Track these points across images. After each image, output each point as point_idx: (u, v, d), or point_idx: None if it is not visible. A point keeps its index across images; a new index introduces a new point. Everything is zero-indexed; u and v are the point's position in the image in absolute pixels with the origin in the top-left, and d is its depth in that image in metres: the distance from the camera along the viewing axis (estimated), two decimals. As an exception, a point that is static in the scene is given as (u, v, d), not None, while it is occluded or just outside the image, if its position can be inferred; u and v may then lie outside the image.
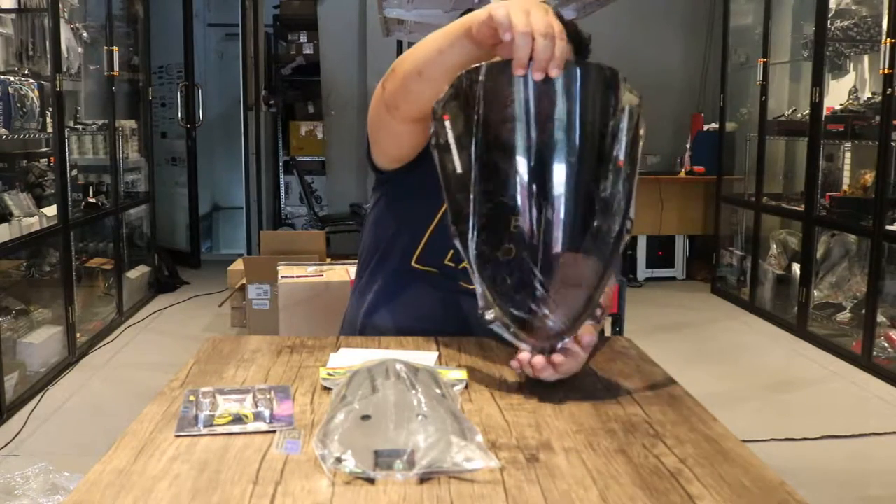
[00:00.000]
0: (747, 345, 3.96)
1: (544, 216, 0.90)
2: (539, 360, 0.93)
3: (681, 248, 5.45)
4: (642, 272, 5.35)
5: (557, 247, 0.90)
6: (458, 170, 0.90)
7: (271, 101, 6.14)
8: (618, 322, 1.53)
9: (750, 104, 4.83)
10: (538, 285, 0.90)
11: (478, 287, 0.91)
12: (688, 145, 5.39)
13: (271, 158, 6.36)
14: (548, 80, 0.87)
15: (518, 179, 0.90)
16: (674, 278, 5.43)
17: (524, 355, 0.94)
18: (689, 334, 4.13)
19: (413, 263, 1.27)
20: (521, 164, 0.89)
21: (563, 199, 0.90)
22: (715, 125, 5.21)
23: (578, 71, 0.89)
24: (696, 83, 5.78)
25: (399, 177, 1.25)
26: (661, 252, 5.39)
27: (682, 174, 5.30)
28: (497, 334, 0.94)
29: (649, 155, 5.36)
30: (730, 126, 5.06)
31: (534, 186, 0.90)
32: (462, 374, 1.00)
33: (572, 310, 0.92)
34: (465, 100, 0.89)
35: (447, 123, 0.89)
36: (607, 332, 1.37)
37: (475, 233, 0.91)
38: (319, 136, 6.36)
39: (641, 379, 1.06)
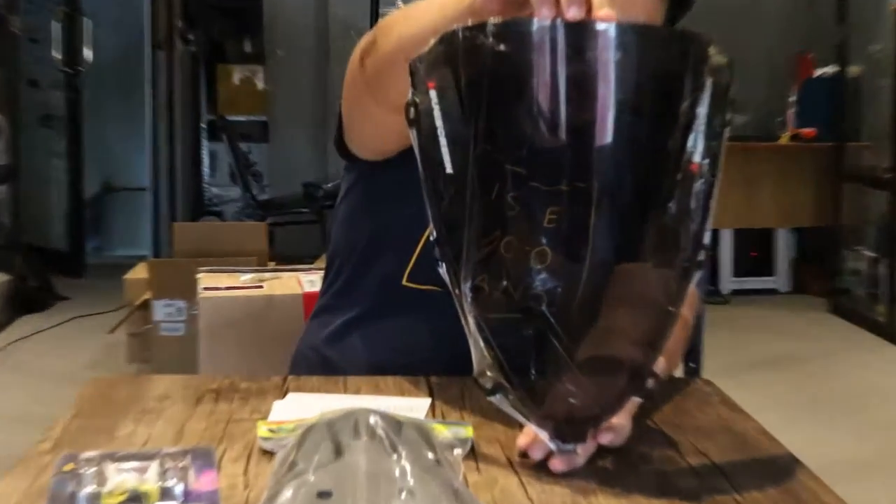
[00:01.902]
0: (886, 389, 3.95)
1: (576, 244, 0.90)
2: (558, 465, 0.93)
3: (783, 248, 5.45)
4: (728, 282, 5.36)
5: (594, 289, 0.91)
6: (448, 168, 0.90)
7: (190, 37, 6.13)
8: (692, 356, 1.54)
9: (883, 38, 4.83)
10: (560, 345, 0.90)
11: (470, 340, 0.92)
12: (791, 98, 5.39)
13: (189, 118, 6.36)
14: (587, 46, 0.86)
15: (539, 187, 0.90)
16: (774, 291, 5.44)
17: (536, 452, 0.94)
18: (798, 373, 4.13)
19: (404, 281, 1.31)
20: (545, 166, 0.89)
21: (605, 220, 0.89)
22: (831, 69, 5.21)
23: (639, 33, 0.87)
24: (800, 10, 5.79)
25: (381, 171, 1.30)
26: (754, 253, 5.39)
27: (784, 140, 5.30)
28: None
29: (736, 114, 5.33)
30: (853, 70, 5.06)
31: (563, 198, 0.89)
32: (466, 431, 1.00)
33: (611, 384, 0.92)
34: (462, 66, 0.88)
35: (433, 94, 0.89)
36: (678, 372, 1.39)
37: (470, 263, 0.90)
38: (260, 86, 6.36)
39: (728, 438, 1.05)
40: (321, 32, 5.98)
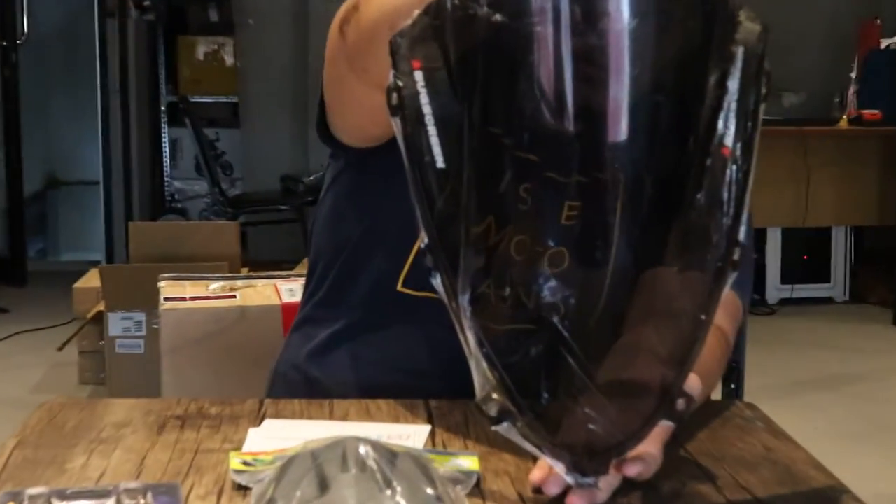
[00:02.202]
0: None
1: (598, 245, 0.90)
2: (577, 501, 0.93)
3: (841, 250, 5.45)
4: (775, 289, 5.36)
5: (617, 297, 0.91)
6: (439, 163, 0.89)
7: (146, 3, 6.12)
8: (733, 375, 1.54)
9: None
10: (576, 362, 0.90)
11: (471, 361, 0.91)
12: (852, 74, 5.37)
13: (147, 100, 6.37)
14: (598, 12, 0.86)
15: (555, 177, 0.90)
16: (830, 300, 5.44)
17: (551, 487, 0.94)
18: (855, 395, 4.12)
19: (399, 287, 1.31)
20: (559, 153, 0.90)
21: (631, 216, 0.90)
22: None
23: None
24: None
25: (372, 157, 1.30)
26: (806, 256, 5.38)
27: (844, 123, 5.28)
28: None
29: (786, 92, 5.31)
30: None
31: (581, 191, 0.90)
32: (470, 463, 1.00)
33: (636, 406, 0.92)
34: (452, 40, 0.88)
35: (418, 76, 0.88)
36: (716, 394, 1.40)
37: (470, 270, 0.90)
38: (228, 61, 6.36)
39: (773, 470, 1.05)
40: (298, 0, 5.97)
